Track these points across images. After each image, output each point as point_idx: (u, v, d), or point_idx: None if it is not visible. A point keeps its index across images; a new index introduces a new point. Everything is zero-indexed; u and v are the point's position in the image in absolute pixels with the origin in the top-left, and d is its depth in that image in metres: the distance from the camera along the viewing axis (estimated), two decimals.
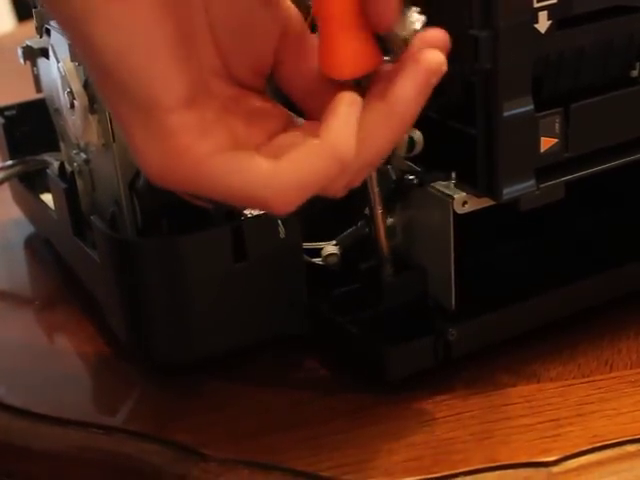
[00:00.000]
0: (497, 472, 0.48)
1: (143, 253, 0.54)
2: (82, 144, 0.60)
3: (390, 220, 0.55)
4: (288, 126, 0.46)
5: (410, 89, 0.43)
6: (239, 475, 0.50)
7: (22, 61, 0.66)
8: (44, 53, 0.63)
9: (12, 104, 0.75)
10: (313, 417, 0.53)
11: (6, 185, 0.75)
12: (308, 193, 0.43)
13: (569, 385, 0.54)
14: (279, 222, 0.55)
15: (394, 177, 0.54)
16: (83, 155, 0.60)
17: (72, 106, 0.57)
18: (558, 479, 0.48)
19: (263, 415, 0.54)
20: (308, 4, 0.47)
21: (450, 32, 0.44)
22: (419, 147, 0.52)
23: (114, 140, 0.54)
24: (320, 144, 0.42)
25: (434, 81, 0.43)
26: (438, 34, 0.43)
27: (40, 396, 0.57)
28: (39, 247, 0.74)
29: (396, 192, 0.55)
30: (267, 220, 0.54)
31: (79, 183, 0.62)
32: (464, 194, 0.52)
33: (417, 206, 0.55)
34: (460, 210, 0.52)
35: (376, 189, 0.53)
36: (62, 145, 0.65)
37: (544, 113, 0.50)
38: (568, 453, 0.49)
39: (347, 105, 0.43)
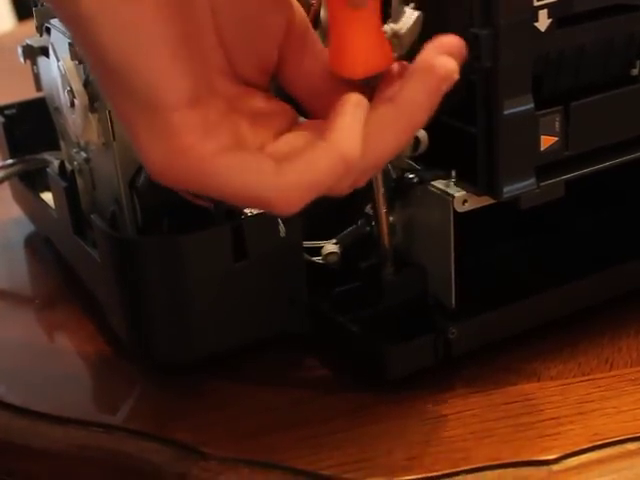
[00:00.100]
0: (498, 470, 0.48)
1: (143, 252, 0.54)
2: (82, 143, 0.60)
3: (390, 218, 0.55)
4: (293, 125, 0.46)
5: (420, 94, 0.43)
6: (239, 474, 0.50)
7: (22, 60, 0.66)
8: (44, 52, 0.63)
9: (12, 103, 0.75)
10: (313, 416, 0.53)
11: (6, 184, 0.75)
12: (313, 194, 0.43)
13: (569, 383, 0.54)
14: (279, 221, 0.55)
15: (394, 175, 0.54)
16: (83, 154, 0.60)
17: (72, 105, 0.57)
18: (559, 477, 0.48)
19: (263, 414, 0.54)
20: (310, 1, 0.47)
21: (450, 30, 0.43)
22: (424, 146, 0.52)
23: (114, 139, 0.54)
24: (326, 145, 0.42)
25: (445, 88, 0.43)
26: (454, 41, 0.43)
27: (40, 395, 0.57)
28: (39, 246, 0.74)
29: (396, 190, 0.54)
30: (267, 219, 0.54)
31: (79, 182, 0.62)
32: (464, 192, 0.52)
33: (417, 204, 0.55)
34: (460, 208, 0.52)
35: (381, 189, 0.53)
36: (62, 144, 0.65)
37: (544, 111, 0.50)
38: (568, 451, 0.49)
39: (354, 106, 0.43)
